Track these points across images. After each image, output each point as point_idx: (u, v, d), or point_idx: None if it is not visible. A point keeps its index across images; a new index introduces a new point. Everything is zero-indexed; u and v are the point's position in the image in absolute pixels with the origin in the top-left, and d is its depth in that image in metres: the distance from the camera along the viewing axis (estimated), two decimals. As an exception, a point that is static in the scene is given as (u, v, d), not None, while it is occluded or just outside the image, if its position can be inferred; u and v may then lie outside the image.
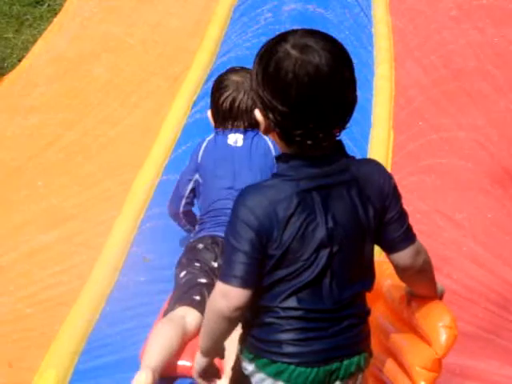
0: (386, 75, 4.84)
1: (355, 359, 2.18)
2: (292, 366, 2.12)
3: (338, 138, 2.12)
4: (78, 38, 5.57)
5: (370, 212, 2.13)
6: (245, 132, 3.41)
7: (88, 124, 4.59)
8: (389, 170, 3.88)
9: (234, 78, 3.40)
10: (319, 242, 2.09)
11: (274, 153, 3.44)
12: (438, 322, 2.29)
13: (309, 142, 2.03)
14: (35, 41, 5.56)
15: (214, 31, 5.45)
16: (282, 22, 5.42)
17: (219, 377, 2.39)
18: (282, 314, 2.11)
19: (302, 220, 2.07)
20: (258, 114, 2.09)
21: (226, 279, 2.07)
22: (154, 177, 4.05)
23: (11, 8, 6.05)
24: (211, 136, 3.44)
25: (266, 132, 2.11)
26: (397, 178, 3.81)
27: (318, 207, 2.09)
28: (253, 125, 3.37)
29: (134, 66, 5.19)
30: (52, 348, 3.06)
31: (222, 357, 2.30)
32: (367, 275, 2.20)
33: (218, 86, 3.41)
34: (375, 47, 5.20)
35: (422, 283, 2.32)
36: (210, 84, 3.62)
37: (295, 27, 5.33)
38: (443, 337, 2.29)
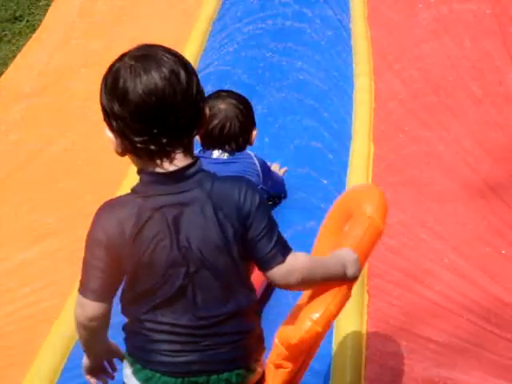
0: (365, 88, 4.86)
1: (224, 375, 2.22)
2: (158, 374, 2.19)
3: (196, 155, 2.14)
4: (57, 53, 5.57)
5: (229, 231, 2.12)
6: (232, 152, 3.53)
7: (69, 139, 4.58)
8: (369, 181, 3.97)
9: (222, 106, 3.51)
10: (171, 261, 2.11)
11: (260, 172, 3.56)
12: (309, 314, 2.30)
13: (152, 147, 2.05)
14: (14, 56, 5.56)
15: (193, 46, 5.45)
16: (261, 36, 5.45)
17: (111, 376, 2.45)
18: (149, 325, 2.18)
19: (151, 238, 2.10)
20: (107, 132, 2.13)
21: (82, 292, 2.19)
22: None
23: (-11, 24, 6.05)
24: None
25: (118, 150, 2.13)
26: (377, 191, 3.90)
27: (169, 225, 2.10)
28: (240, 148, 3.54)
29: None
30: (34, 366, 3.04)
31: (117, 356, 2.39)
32: (242, 293, 2.20)
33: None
34: (354, 60, 5.22)
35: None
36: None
37: (274, 41, 5.38)
38: (303, 329, 2.29)
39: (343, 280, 2.32)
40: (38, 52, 5.61)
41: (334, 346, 3.04)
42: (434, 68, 5.06)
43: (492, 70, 4.98)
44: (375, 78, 4.97)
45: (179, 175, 2.10)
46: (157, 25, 5.88)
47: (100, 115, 4.85)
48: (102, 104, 2.13)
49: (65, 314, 3.30)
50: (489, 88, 4.77)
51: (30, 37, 5.81)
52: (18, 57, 5.53)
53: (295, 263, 2.19)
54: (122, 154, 2.13)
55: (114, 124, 2.09)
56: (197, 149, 3.45)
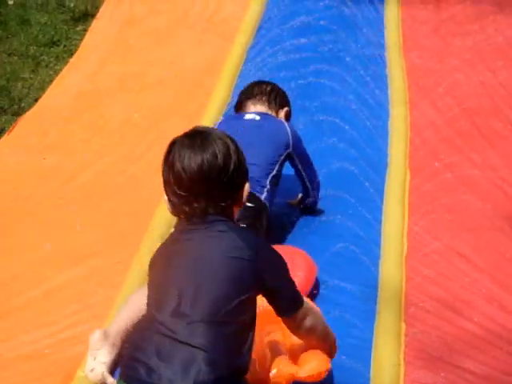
0: (401, 116, 4.87)
1: None
2: None
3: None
4: (94, 78, 5.61)
5: None
6: (261, 114, 3.87)
7: (105, 163, 4.61)
8: (405, 210, 3.96)
9: None
10: None
11: (290, 137, 3.81)
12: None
13: (186, 209, 2.54)
14: (51, 81, 5.60)
15: (229, 69, 5.49)
16: (297, 62, 5.47)
17: None
18: None
19: None
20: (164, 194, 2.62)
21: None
22: (171, 216, 4.05)
23: (27, 48, 6.10)
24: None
25: (169, 209, 2.66)
26: (414, 219, 3.91)
27: None
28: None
29: (150, 104, 5.22)
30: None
31: None
32: None
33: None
34: (390, 88, 5.23)
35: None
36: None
37: (310, 66, 5.41)
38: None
39: (329, 351, 2.79)
40: (75, 76, 5.65)
41: (372, 376, 3.02)
42: (469, 96, 5.07)
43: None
44: (410, 106, 4.98)
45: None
46: (192, 49, 5.93)
47: (136, 139, 4.92)
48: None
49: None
50: (525, 117, 4.77)
51: (68, 61, 5.85)
52: (56, 81, 5.57)
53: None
54: (173, 213, 2.62)
55: (165, 187, 2.58)
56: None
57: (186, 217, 2.54)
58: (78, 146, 4.83)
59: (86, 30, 6.31)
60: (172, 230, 3.69)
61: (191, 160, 2.48)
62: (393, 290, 3.48)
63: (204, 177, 2.48)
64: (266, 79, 4.40)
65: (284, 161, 3.82)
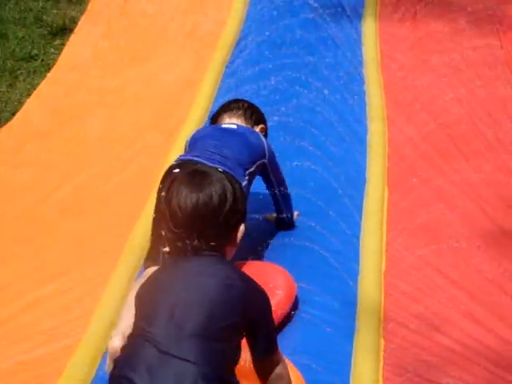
0: (379, 132, 4.89)
1: None
2: None
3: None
4: (71, 92, 5.59)
5: None
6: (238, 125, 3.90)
7: (82, 178, 4.59)
8: (384, 226, 3.96)
9: None
10: None
11: (266, 147, 3.81)
12: None
13: (179, 244, 2.56)
14: (29, 95, 5.57)
15: (207, 85, 5.49)
16: (274, 77, 5.47)
17: None
18: None
19: None
20: None
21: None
22: (149, 231, 4.03)
23: (5, 62, 6.06)
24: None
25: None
26: (392, 235, 3.91)
27: None
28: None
29: (128, 120, 5.20)
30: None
31: None
32: None
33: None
34: (368, 105, 5.25)
35: None
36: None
37: (288, 83, 5.39)
38: None
39: None
40: (52, 91, 5.63)
41: (351, 392, 3.02)
42: (446, 112, 5.10)
43: (504, 116, 5.01)
44: (388, 122, 5.00)
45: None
46: (170, 65, 5.93)
47: (114, 155, 4.89)
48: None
49: (79, 354, 3.28)
50: (502, 135, 4.79)
51: (45, 76, 5.83)
52: (33, 95, 5.54)
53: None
54: (169, 249, 2.63)
55: (162, 222, 2.61)
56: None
57: (180, 252, 2.59)
58: (56, 160, 4.81)
59: (63, 45, 6.28)
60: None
61: (187, 198, 2.55)
62: (371, 306, 3.48)
63: (198, 216, 2.53)
64: (243, 97, 4.42)
65: (258, 168, 3.81)
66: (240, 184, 2.85)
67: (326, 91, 5.35)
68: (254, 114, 4.08)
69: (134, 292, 3.11)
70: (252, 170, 3.72)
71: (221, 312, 2.46)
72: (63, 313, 3.57)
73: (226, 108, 4.09)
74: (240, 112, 4.03)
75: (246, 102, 4.15)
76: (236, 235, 2.62)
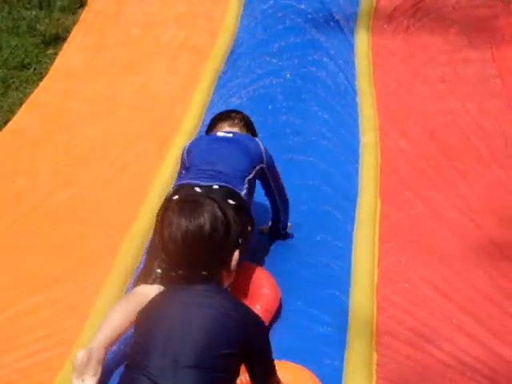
0: (371, 143, 4.89)
1: None
2: None
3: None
4: (64, 101, 5.58)
5: None
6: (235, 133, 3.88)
7: (75, 187, 4.58)
8: (376, 239, 3.96)
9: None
10: None
11: (263, 152, 3.81)
12: None
13: (172, 274, 2.58)
14: (21, 104, 5.56)
15: (200, 96, 5.50)
16: (268, 93, 5.47)
17: None
18: None
19: None
20: None
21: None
22: (142, 242, 4.04)
23: (-3, 71, 6.06)
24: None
25: None
26: (385, 248, 3.92)
27: None
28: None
29: (121, 129, 5.20)
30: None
31: None
32: None
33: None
34: (360, 116, 5.25)
35: None
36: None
37: (281, 96, 5.38)
38: None
39: None
40: (44, 99, 5.62)
41: (343, 406, 3.02)
42: (440, 128, 5.11)
43: (497, 130, 5.03)
44: (381, 135, 5.00)
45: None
46: (163, 76, 5.93)
47: (106, 163, 4.88)
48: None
49: (68, 365, 3.27)
50: (494, 149, 4.81)
51: (38, 84, 5.83)
52: (25, 104, 5.53)
53: None
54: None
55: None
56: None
57: (173, 281, 2.60)
58: (48, 169, 4.80)
59: (56, 54, 6.28)
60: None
61: (177, 229, 2.54)
62: (364, 319, 3.48)
63: (188, 245, 2.54)
64: (237, 108, 4.42)
65: (257, 174, 3.80)
66: (235, 206, 2.83)
67: (318, 103, 5.35)
68: (250, 125, 4.08)
69: (115, 309, 3.14)
70: (251, 176, 3.70)
71: (216, 343, 2.45)
72: (57, 321, 3.57)
73: (221, 116, 4.08)
74: (236, 121, 4.03)
75: (240, 112, 4.15)
76: (230, 262, 2.61)
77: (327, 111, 5.23)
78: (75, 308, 3.64)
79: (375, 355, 3.25)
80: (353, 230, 4.11)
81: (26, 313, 3.62)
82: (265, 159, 3.80)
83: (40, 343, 3.45)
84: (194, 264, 2.55)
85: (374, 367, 3.18)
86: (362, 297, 3.63)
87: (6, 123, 5.32)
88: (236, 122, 4.01)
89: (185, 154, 3.83)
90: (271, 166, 3.85)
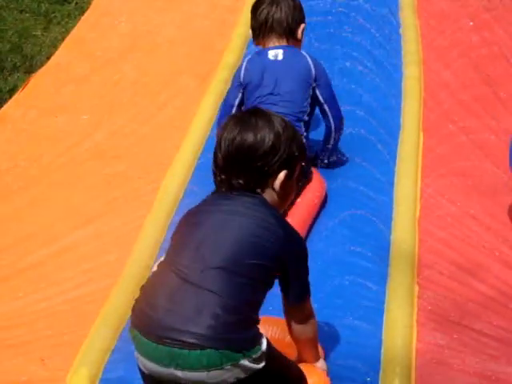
0: (414, 76, 4.83)
1: (195, 353, 2.35)
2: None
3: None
4: (105, 37, 5.57)
5: None
6: (284, 48, 3.86)
7: (117, 123, 4.59)
8: (419, 172, 3.93)
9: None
10: None
11: (313, 70, 3.84)
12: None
13: (218, 178, 2.58)
14: (63, 38, 5.57)
15: (241, 31, 5.45)
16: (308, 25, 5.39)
17: None
18: None
19: None
20: None
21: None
22: (184, 176, 4.06)
23: (39, 6, 6.06)
24: (250, 55, 3.97)
25: None
26: (427, 181, 3.88)
27: None
28: (288, 37, 3.88)
29: (161, 64, 5.19)
30: (84, 346, 3.07)
31: None
32: None
33: (256, 3, 3.93)
34: (403, 49, 5.17)
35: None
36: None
37: (322, 29, 5.28)
38: None
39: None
40: (86, 34, 5.62)
41: (384, 338, 3.03)
42: (485, 59, 5.01)
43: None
44: (424, 68, 4.93)
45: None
46: (203, 9, 5.88)
47: (148, 99, 4.88)
48: None
49: (114, 297, 3.32)
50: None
51: (79, 19, 5.82)
52: (67, 39, 5.54)
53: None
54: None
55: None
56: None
57: (220, 187, 2.59)
58: (90, 105, 4.81)
59: (97, -12, 6.25)
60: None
61: (231, 134, 2.53)
62: (406, 252, 3.48)
63: (235, 154, 2.53)
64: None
65: (312, 99, 3.83)
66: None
67: (360, 36, 5.28)
68: (292, 22, 3.90)
69: None
70: (308, 107, 3.79)
71: (249, 251, 2.46)
72: (101, 255, 3.61)
73: (269, 28, 3.90)
74: (281, 31, 3.89)
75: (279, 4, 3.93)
76: (274, 180, 2.56)
77: (369, 43, 5.17)
78: (119, 242, 3.68)
79: (416, 287, 3.24)
80: (395, 164, 4.08)
81: (69, 247, 3.67)
82: (314, 74, 3.82)
83: (84, 276, 3.50)
84: (240, 173, 2.53)
85: (415, 300, 3.18)
86: (404, 230, 3.62)
87: (48, 58, 5.34)
88: (281, 32, 3.88)
89: (242, 73, 3.87)
90: (322, 80, 3.86)
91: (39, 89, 4.96)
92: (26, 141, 4.51)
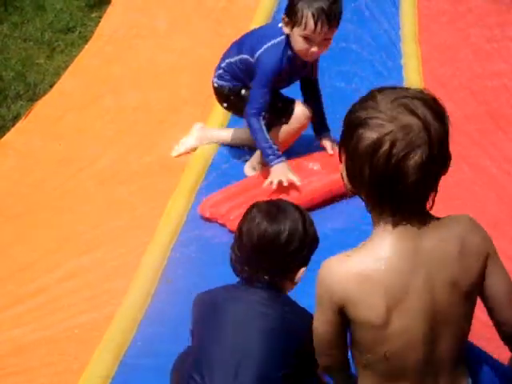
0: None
1: None
2: None
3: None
4: (108, 64, 5.60)
5: None
6: None
7: (120, 150, 4.61)
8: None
9: None
10: None
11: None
12: None
13: (245, 268, 2.62)
14: (67, 67, 5.59)
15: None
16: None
17: None
18: None
19: None
20: None
21: None
22: (185, 203, 4.06)
23: (43, 34, 6.10)
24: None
25: None
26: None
27: None
28: None
29: (164, 93, 5.20)
30: (85, 373, 3.06)
31: None
32: None
33: None
34: (405, 79, 5.19)
35: None
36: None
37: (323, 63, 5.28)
38: None
39: None
40: (89, 62, 5.64)
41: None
42: (486, 90, 5.04)
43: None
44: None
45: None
46: (206, 38, 5.90)
47: (151, 126, 4.89)
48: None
49: (114, 324, 3.32)
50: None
51: (83, 47, 5.86)
52: (71, 67, 5.56)
53: None
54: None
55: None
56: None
57: (238, 274, 2.66)
58: (93, 132, 4.83)
59: (100, 17, 6.30)
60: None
61: (257, 227, 2.59)
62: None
63: (260, 247, 2.58)
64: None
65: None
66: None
67: (362, 68, 5.31)
68: None
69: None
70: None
71: (278, 360, 2.49)
72: (102, 283, 3.61)
73: None
74: None
75: None
76: (295, 276, 2.63)
77: (371, 73, 5.19)
78: (121, 269, 3.68)
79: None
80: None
81: (72, 274, 3.66)
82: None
83: (87, 303, 3.49)
84: (259, 266, 2.59)
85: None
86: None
87: (51, 86, 5.36)
88: None
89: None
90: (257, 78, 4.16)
91: (42, 116, 4.98)
92: (29, 168, 4.52)
